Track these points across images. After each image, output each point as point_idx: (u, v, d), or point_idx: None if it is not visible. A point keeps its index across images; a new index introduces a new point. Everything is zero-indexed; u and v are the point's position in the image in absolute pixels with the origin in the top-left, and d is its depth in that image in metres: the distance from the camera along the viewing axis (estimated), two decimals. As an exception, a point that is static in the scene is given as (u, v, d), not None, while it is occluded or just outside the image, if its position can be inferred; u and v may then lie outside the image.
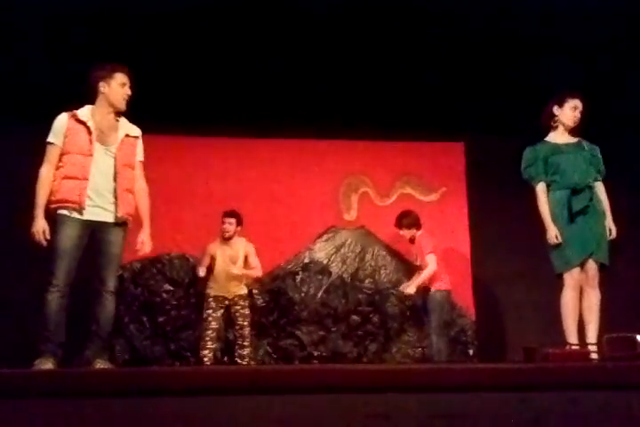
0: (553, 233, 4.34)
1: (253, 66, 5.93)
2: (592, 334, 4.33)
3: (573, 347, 4.32)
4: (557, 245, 4.35)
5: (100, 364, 3.76)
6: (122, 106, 3.96)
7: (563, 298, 4.39)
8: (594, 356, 4.21)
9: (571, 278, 4.36)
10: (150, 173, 5.98)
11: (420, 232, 5.60)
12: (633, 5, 5.42)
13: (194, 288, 5.93)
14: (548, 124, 4.60)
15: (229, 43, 5.82)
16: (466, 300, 6.19)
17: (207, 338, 5.48)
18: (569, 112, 4.52)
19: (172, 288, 5.94)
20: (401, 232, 5.67)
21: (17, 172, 5.58)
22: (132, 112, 5.46)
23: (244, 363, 5.46)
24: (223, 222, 5.61)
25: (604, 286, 4.44)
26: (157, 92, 5.82)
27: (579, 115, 4.51)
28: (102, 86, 3.91)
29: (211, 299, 5.56)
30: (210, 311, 5.54)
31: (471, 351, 6.12)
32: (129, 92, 3.96)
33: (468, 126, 6.24)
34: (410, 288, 5.50)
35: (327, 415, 2.40)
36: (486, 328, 6.14)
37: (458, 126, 6.26)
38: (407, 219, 5.64)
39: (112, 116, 3.95)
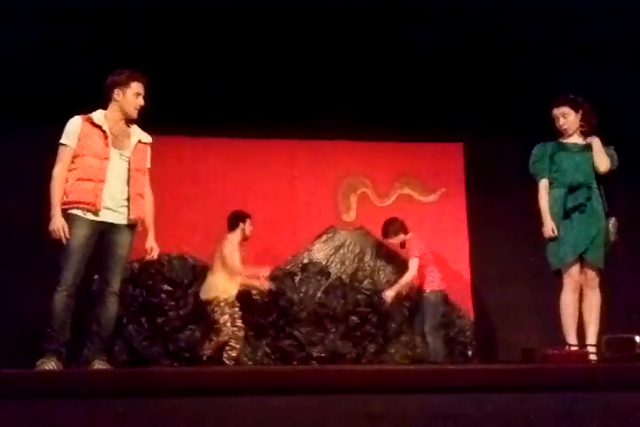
0: (549, 227, 4.40)
1: (253, 66, 5.94)
2: (592, 336, 4.34)
3: (572, 348, 4.32)
4: (553, 242, 4.39)
5: (99, 364, 3.77)
6: (133, 115, 4.00)
7: (562, 299, 4.41)
8: (593, 357, 4.21)
9: (570, 279, 4.37)
10: (150, 173, 6.03)
11: (408, 236, 5.62)
12: (634, 5, 5.43)
13: (192, 289, 5.93)
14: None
15: (229, 43, 5.82)
16: (465, 300, 6.19)
17: (223, 339, 5.38)
18: (555, 123, 4.60)
19: (170, 289, 5.93)
20: (390, 240, 5.70)
21: (19, 172, 5.60)
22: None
23: (231, 364, 5.40)
24: (251, 224, 5.52)
25: (603, 287, 4.44)
26: (157, 93, 5.81)
27: (563, 119, 4.56)
28: (117, 94, 3.95)
29: (222, 303, 5.41)
30: (226, 317, 5.38)
31: (470, 352, 6.12)
32: (142, 103, 3.99)
33: (467, 127, 6.24)
34: (388, 293, 5.59)
35: (326, 416, 2.40)
36: (485, 329, 6.14)
37: (457, 127, 6.26)
38: (392, 226, 5.67)
39: (124, 122, 3.99)
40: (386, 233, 5.71)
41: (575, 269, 4.38)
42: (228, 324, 5.43)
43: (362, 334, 6.08)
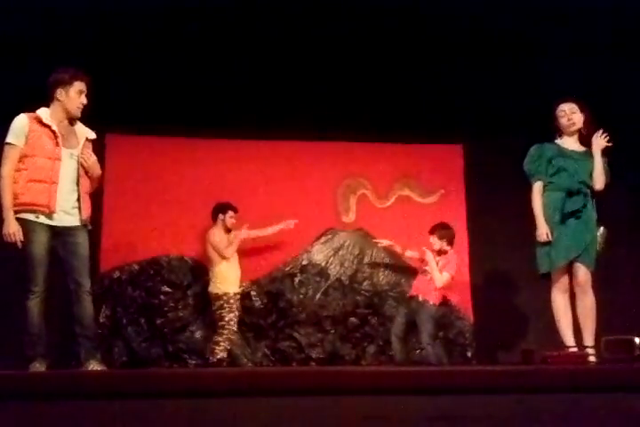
0: (543, 230, 4.38)
1: (253, 67, 5.94)
2: (589, 338, 4.33)
3: (571, 349, 4.32)
4: (544, 245, 4.38)
5: (93, 365, 3.78)
6: (77, 114, 3.95)
7: (554, 302, 4.43)
8: (592, 358, 4.21)
9: (559, 282, 4.40)
10: (149, 174, 6.04)
11: (451, 250, 5.50)
12: (633, 5, 5.43)
13: (192, 290, 5.93)
14: (557, 135, 4.64)
15: (229, 44, 5.83)
16: (464, 302, 6.18)
17: (225, 342, 5.42)
18: (561, 120, 4.58)
19: (170, 290, 5.92)
20: (431, 239, 5.45)
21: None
22: (133, 113, 5.46)
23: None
24: (232, 217, 5.65)
25: (601, 288, 4.44)
26: (157, 94, 5.83)
27: (571, 116, 4.53)
28: (59, 93, 3.89)
29: (232, 300, 5.48)
30: (232, 315, 5.46)
31: (469, 353, 6.11)
32: (85, 101, 3.93)
33: (466, 128, 6.24)
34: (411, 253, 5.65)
35: (325, 417, 2.40)
36: (484, 330, 6.14)
37: (456, 128, 6.25)
38: (444, 230, 5.44)
39: (67, 121, 3.95)
40: (433, 231, 5.46)
41: (564, 272, 4.39)
42: (232, 322, 5.45)
43: (361, 336, 6.08)
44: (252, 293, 5.98)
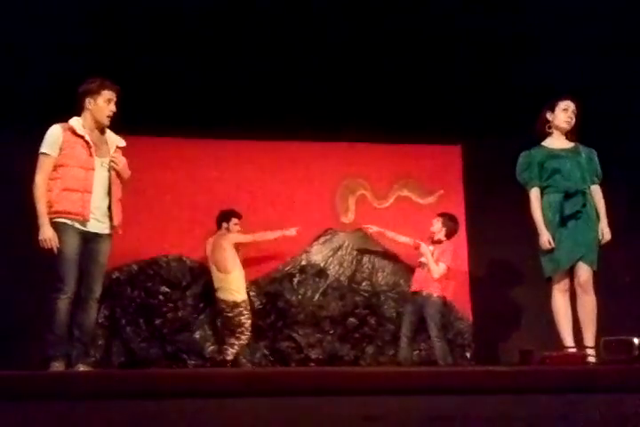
0: (545, 238, 4.35)
1: (252, 68, 5.94)
2: (589, 339, 4.32)
3: (570, 350, 4.32)
4: (549, 250, 4.36)
5: (84, 367, 3.83)
6: (105, 122, 4.05)
7: (553, 303, 4.41)
8: (591, 359, 4.21)
9: (560, 282, 4.38)
10: (149, 174, 6.05)
11: (446, 241, 5.54)
12: (633, 5, 5.43)
13: (191, 290, 5.93)
14: (544, 130, 4.59)
15: (228, 45, 5.83)
16: (463, 303, 6.19)
17: (239, 347, 5.49)
18: (561, 114, 4.53)
19: (168, 290, 5.92)
20: (434, 220, 5.57)
21: (13, 176, 5.55)
22: (134, 114, 5.45)
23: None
24: (236, 224, 5.67)
25: (601, 289, 4.44)
26: (158, 95, 5.83)
27: (572, 115, 4.52)
28: (88, 102, 3.99)
29: (249, 307, 5.57)
30: (250, 321, 5.53)
31: (468, 354, 6.12)
32: (114, 109, 4.03)
33: (465, 129, 6.24)
34: (400, 237, 5.78)
35: (324, 418, 2.39)
36: (483, 331, 6.14)
37: (455, 129, 6.26)
38: (450, 221, 5.55)
39: (98, 129, 4.04)
40: (441, 216, 5.58)
41: (565, 272, 4.38)
42: (250, 327, 5.52)
43: (360, 336, 6.08)
44: (251, 293, 5.98)
